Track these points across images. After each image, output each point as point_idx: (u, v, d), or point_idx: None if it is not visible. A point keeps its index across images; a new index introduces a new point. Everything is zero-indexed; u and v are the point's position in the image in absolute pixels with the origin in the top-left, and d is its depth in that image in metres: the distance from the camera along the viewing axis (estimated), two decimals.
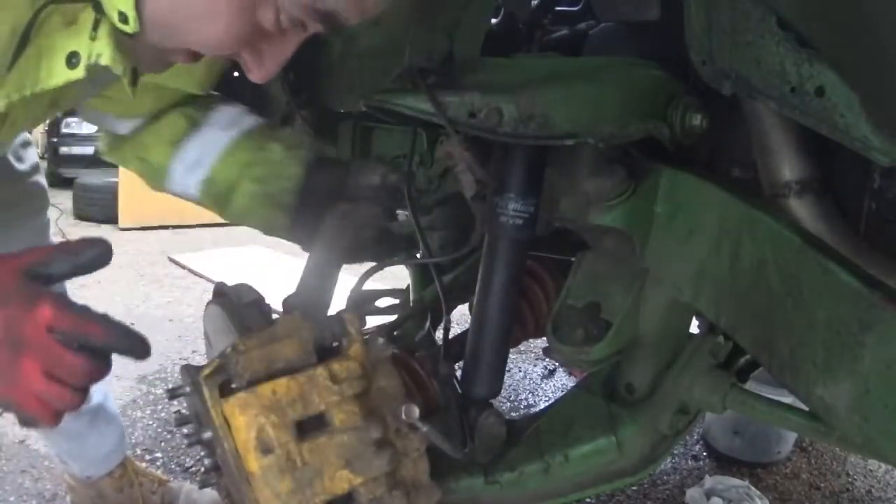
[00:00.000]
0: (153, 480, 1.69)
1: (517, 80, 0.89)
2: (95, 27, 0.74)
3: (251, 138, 1.09)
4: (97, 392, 1.60)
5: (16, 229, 1.41)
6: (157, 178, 1.17)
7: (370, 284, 1.21)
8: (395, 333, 1.16)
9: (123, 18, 0.72)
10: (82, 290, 3.26)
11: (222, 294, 0.91)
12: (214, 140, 1.09)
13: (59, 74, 0.77)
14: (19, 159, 1.42)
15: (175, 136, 1.11)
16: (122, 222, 5.23)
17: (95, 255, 0.72)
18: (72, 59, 0.76)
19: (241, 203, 1.08)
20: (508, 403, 2.43)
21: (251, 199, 1.07)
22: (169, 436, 2.09)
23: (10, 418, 2.08)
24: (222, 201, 1.10)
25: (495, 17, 1.31)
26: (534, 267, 1.23)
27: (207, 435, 0.78)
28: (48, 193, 1.53)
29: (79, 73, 0.76)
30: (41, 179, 1.50)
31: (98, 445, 1.59)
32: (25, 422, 0.71)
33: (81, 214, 5.54)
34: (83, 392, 0.70)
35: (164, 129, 1.11)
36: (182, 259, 4.25)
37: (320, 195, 1.04)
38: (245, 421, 0.74)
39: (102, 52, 0.75)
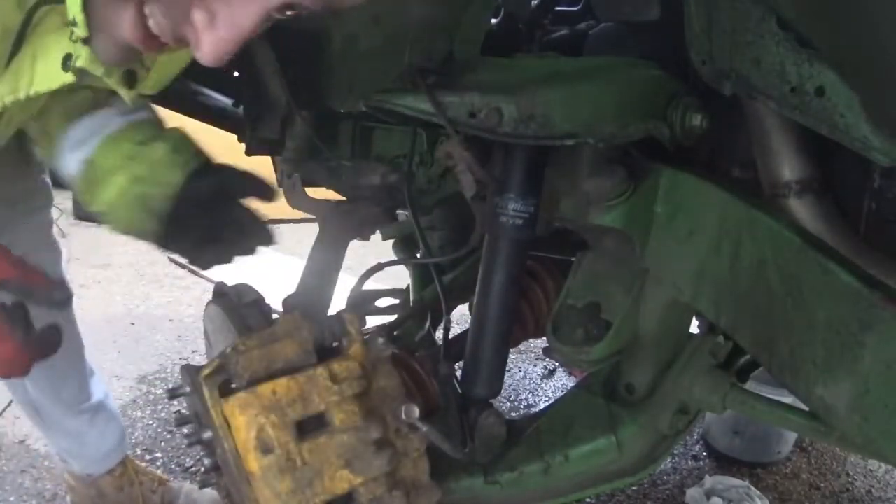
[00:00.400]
0: (153, 479, 1.69)
1: (517, 80, 0.89)
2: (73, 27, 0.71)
3: (140, 130, 1.02)
4: (98, 390, 1.60)
5: (19, 226, 1.41)
6: (49, 148, 1.10)
7: (370, 284, 1.21)
8: (395, 333, 1.16)
9: (74, 23, 0.69)
10: (83, 289, 3.26)
11: (222, 294, 0.92)
12: (105, 123, 1.02)
13: (54, 77, 0.75)
14: (26, 155, 1.42)
15: (74, 110, 1.04)
16: None
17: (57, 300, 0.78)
18: (66, 62, 0.74)
19: (110, 195, 1.01)
20: (508, 403, 2.43)
21: (121, 195, 1.00)
22: (169, 436, 2.09)
23: (9, 418, 2.09)
24: (94, 188, 1.03)
25: (495, 17, 1.31)
26: (534, 267, 1.23)
27: (207, 435, 0.78)
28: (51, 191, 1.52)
29: (70, 77, 0.74)
30: (45, 177, 1.50)
31: (98, 443, 1.59)
32: None
33: (82, 214, 5.54)
34: None
35: (67, 100, 1.04)
36: (182, 259, 4.23)
37: (197, 206, 0.97)
38: (245, 421, 0.74)
39: (80, 53, 0.73)
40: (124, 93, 0.82)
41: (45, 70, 0.75)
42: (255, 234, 0.97)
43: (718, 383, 0.96)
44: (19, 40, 0.74)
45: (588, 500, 1.80)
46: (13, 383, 1.51)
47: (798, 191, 0.90)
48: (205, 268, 0.99)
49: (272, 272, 3.81)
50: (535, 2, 1.41)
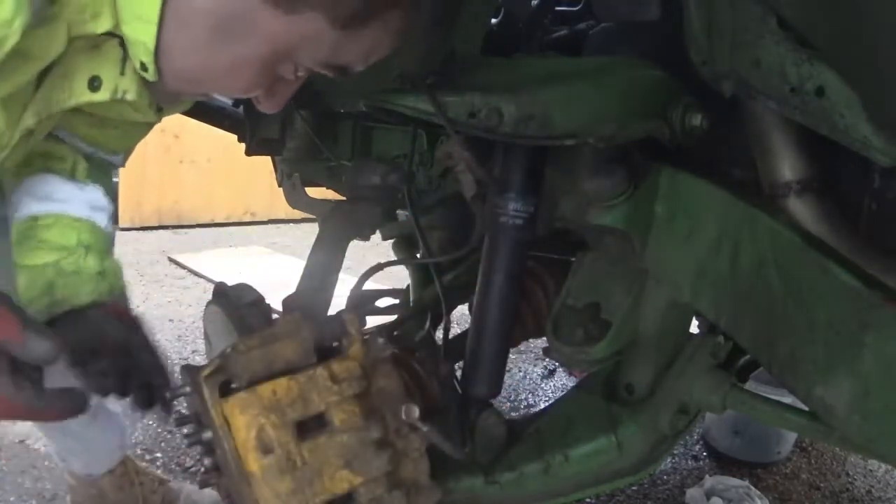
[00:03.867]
0: (153, 480, 1.69)
1: (517, 80, 0.89)
2: (123, 64, 0.80)
3: (94, 233, 1.04)
4: None
5: None
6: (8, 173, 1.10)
7: (370, 284, 1.21)
8: (395, 333, 1.16)
9: (144, 68, 0.78)
10: None
11: (222, 294, 0.91)
12: (70, 199, 1.04)
13: (81, 95, 0.82)
14: None
15: (51, 163, 1.06)
16: (121, 222, 5.23)
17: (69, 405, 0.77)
18: (93, 83, 0.81)
19: (32, 261, 1.00)
20: (508, 403, 2.43)
21: (42, 271, 0.99)
22: (169, 436, 2.09)
23: None
24: (25, 243, 1.02)
25: (495, 17, 1.31)
26: (534, 267, 1.23)
27: (207, 435, 0.78)
28: None
29: (102, 95, 0.82)
30: None
31: (99, 443, 1.59)
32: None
33: None
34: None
35: (53, 150, 1.06)
36: (182, 259, 4.24)
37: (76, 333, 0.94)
38: (245, 421, 0.74)
39: (129, 88, 0.82)
40: (152, 115, 0.92)
41: (73, 88, 0.82)
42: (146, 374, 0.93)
43: (718, 383, 0.96)
44: (51, 64, 0.80)
45: (588, 500, 1.80)
46: None
47: (798, 191, 0.90)
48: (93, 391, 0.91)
49: (272, 272, 3.82)
50: (535, 2, 1.41)
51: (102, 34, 0.77)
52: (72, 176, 1.07)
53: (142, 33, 0.75)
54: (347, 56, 0.77)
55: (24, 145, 0.90)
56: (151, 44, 0.75)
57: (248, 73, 0.77)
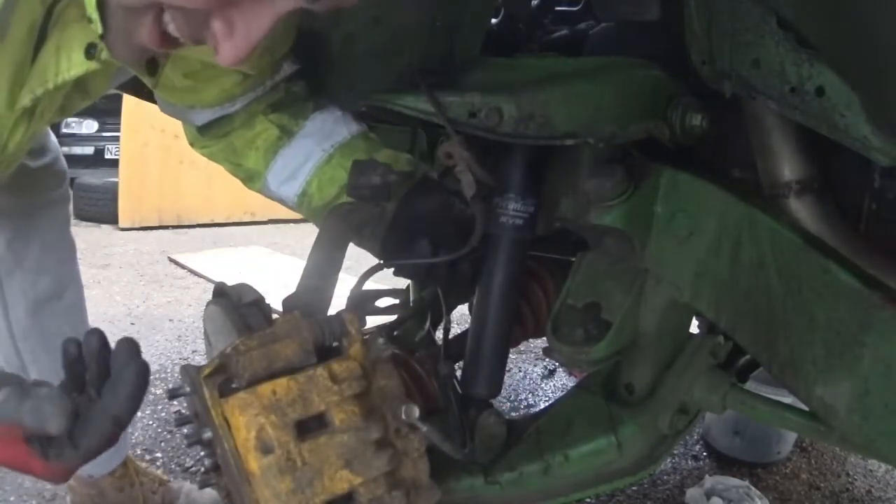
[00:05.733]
0: (154, 480, 1.69)
1: (517, 80, 0.89)
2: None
3: (348, 154, 1.06)
4: None
5: (38, 219, 1.42)
6: (253, 183, 1.17)
7: (370, 284, 1.21)
8: (395, 333, 1.16)
9: (90, 21, 0.73)
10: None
11: (222, 294, 0.91)
12: (308, 154, 1.07)
13: (79, 65, 0.80)
14: (42, 148, 1.43)
15: (267, 144, 1.10)
16: (122, 222, 5.23)
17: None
18: (90, 50, 0.79)
19: None
20: (508, 403, 2.43)
21: None
22: (169, 436, 2.09)
23: None
24: (321, 216, 1.09)
25: (495, 17, 1.31)
26: (534, 267, 1.23)
27: (207, 435, 0.78)
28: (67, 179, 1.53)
29: (95, 64, 0.79)
30: (63, 166, 1.51)
31: None
32: None
33: (82, 214, 5.55)
34: None
35: (255, 136, 1.10)
36: (182, 259, 4.24)
37: (409, 227, 1.02)
38: (245, 421, 0.74)
39: (103, 46, 0.77)
40: (147, 80, 0.88)
41: (69, 59, 0.80)
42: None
43: (718, 383, 0.96)
44: (42, 34, 0.78)
45: (588, 500, 1.80)
46: None
47: (798, 191, 0.90)
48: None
49: (272, 272, 3.82)
50: (535, 2, 1.41)
51: None
52: (287, 135, 1.08)
53: None
54: None
55: (28, 125, 0.88)
56: None
57: None
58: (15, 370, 1.50)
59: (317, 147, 1.08)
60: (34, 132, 0.92)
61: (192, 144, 1.20)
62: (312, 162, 1.08)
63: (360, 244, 1.06)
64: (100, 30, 0.73)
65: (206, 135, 1.16)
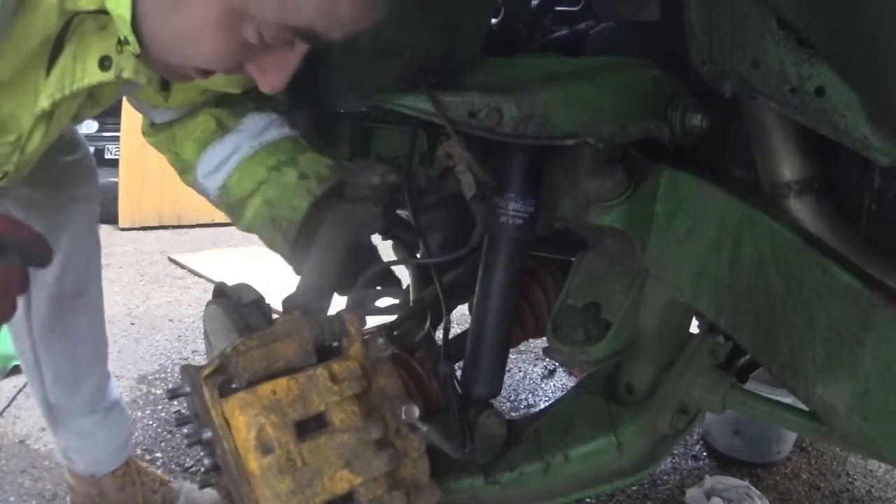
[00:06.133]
0: (154, 480, 1.69)
1: (517, 80, 0.89)
2: (120, 42, 0.81)
3: (272, 153, 1.10)
4: (113, 392, 1.62)
5: (68, 214, 1.43)
6: (185, 174, 1.21)
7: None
8: (395, 333, 1.16)
9: (126, 42, 0.78)
10: None
11: (222, 294, 0.91)
12: (237, 148, 1.11)
13: (93, 75, 0.84)
14: (73, 143, 1.45)
15: (203, 136, 1.13)
16: (122, 222, 5.23)
17: (43, 251, 0.82)
18: (104, 62, 0.84)
19: (249, 217, 1.11)
20: (508, 403, 2.43)
21: (258, 216, 1.09)
22: (169, 436, 2.09)
23: (9, 418, 2.09)
24: (234, 211, 1.12)
25: (495, 17, 1.32)
26: (534, 267, 1.23)
27: (207, 435, 0.78)
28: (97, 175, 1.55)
29: (109, 75, 0.84)
30: (92, 163, 1.52)
31: (106, 443, 1.60)
32: None
33: None
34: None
35: (194, 127, 1.14)
36: (182, 259, 4.24)
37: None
38: (245, 421, 0.74)
39: (125, 66, 0.84)
40: (159, 94, 0.93)
41: (84, 69, 0.84)
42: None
43: (718, 383, 0.96)
44: (59, 45, 0.82)
45: (588, 500, 1.80)
46: (34, 378, 1.52)
47: (798, 191, 0.90)
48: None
49: (272, 272, 3.81)
50: (535, 2, 1.41)
51: (102, 11, 0.78)
52: (222, 129, 1.11)
53: (118, 6, 0.74)
54: (303, 15, 0.73)
55: (47, 128, 0.91)
56: (128, 15, 0.74)
57: (211, 37, 0.75)
58: (29, 364, 1.50)
59: (245, 143, 1.11)
60: (51, 136, 0.95)
61: (143, 134, 1.27)
62: (237, 156, 1.10)
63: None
64: (137, 50, 0.78)
65: (156, 126, 1.22)
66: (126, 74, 0.83)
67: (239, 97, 1.13)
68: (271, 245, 1.11)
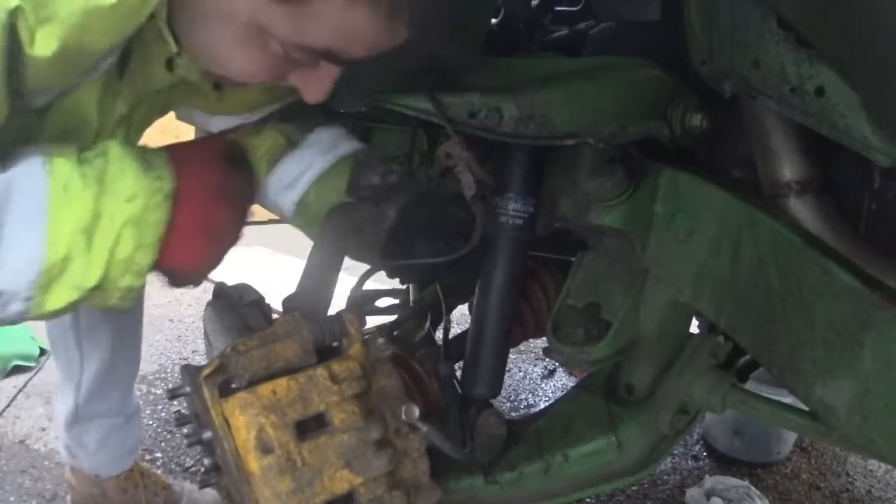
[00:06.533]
0: (157, 483, 1.69)
1: (517, 80, 0.89)
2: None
3: (349, 167, 1.08)
4: (135, 401, 1.63)
5: None
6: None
7: (370, 284, 1.21)
8: (395, 333, 1.16)
9: (170, 44, 0.80)
10: None
11: (222, 294, 0.91)
12: (311, 163, 1.09)
13: (162, 78, 0.88)
14: None
15: (273, 152, 1.11)
16: None
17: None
18: (170, 64, 0.86)
19: None
20: (508, 403, 2.43)
21: None
22: (169, 436, 2.09)
23: (9, 418, 2.09)
24: (312, 226, 1.10)
25: (495, 17, 1.31)
26: (534, 267, 1.23)
27: (207, 435, 0.78)
28: None
29: (175, 77, 0.87)
30: None
31: (118, 447, 1.60)
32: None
33: None
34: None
35: (261, 144, 1.12)
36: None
37: (409, 233, 1.04)
38: (245, 421, 0.74)
39: (182, 64, 0.85)
40: (211, 94, 0.96)
41: (152, 71, 0.87)
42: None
43: (718, 383, 0.96)
44: (126, 51, 0.84)
45: (588, 500, 1.80)
46: (70, 374, 1.51)
47: (798, 191, 0.90)
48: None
49: (272, 272, 3.81)
50: (535, 2, 1.41)
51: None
52: (292, 145, 1.11)
53: (159, 5, 0.75)
54: (318, 37, 0.74)
55: (126, 134, 0.93)
56: (164, 15, 0.76)
57: (240, 53, 0.76)
58: (70, 361, 1.50)
59: (319, 157, 1.09)
60: (133, 137, 0.97)
61: None
62: (314, 171, 1.08)
63: (355, 254, 1.06)
64: (174, 48, 0.80)
65: None
66: (179, 72, 0.85)
67: (304, 113, 1.12)
68: (357, 256, 1.09)
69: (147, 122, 1.01)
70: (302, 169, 1.08)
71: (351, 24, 0.74)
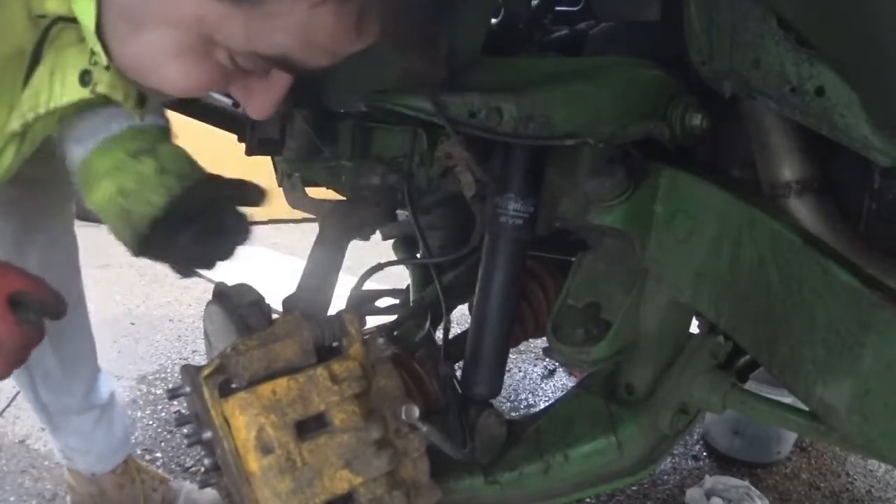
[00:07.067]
0: (154, 478, 1.69)
1: (517, 80, 0.89)
2: (93, 52, 0.74)
3: (137, 139, 0.98)
4: (105, 388, 1.61)
5: (45, 215, 1.41)
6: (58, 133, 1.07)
7: (370, 284, 1.21)
8: (395, 333, 1.16)
9: (94, 53, 0.72)
10: None
11: (222, 294, 0.91)
12: (107, 123, 0.98)
13: (73, 92, 0.77)
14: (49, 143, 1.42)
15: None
16: None
17: (59, 308, 0.83)
18: (84, 77, 0.76)
19: (98, 199, 0.99)
20: (508, 403, 2.43)
21: (108, 201, 0.98)
22: (169, 436, 2.09)
23: (9, 418, 2.09)
24: (87, 186, 1.01)
25: (495, 17, 1.31)
26: (534, 267, 1.23)
27: (207, 435, 0.78)
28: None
29: (89, 92, 0.76)
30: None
31: (105, 441, 1.60)
32: None
33: (82, 214, 5.56)
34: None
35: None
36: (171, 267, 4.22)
37: (180, 225, 0.95)
38: (245, 421, 0.74)
39: (100, 79, 0.76)
40: (136, 112, 0.85)
41: (63, 85, 0.77)
42: (235, 237, 0.96)
43: (718, 383, 0.96)
44: (36, 58, 0.76)
45: (588, 500, 1.80)
46: (24, 384, 1.52)
47: (798, 191, 0.90)
48: (187, 275, 0.99)
49: (272, 272, 3.82)
50: (535, 2, 1.41)
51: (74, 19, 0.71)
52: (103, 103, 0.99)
53: (82, 11, 0.67)
54: (275, 43, 0.65)
55: (18, 150, 0.85)
56: (91, 23, 0.67)
57: (175, 65, 0.67)
58: (22, 374, 1.50)
59: (118, 120, 0.98)
60: (24, 156, 0.89)
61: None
62: (106, 133, 0.97)
63: None
64: (105, 62, 0.71)
65: None
66: (101, 89, 0.76)
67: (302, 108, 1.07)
68: (118, 235, 1.00)
69: (47, 132, 0.93)
70: (97, 127, 0.98)
71: (314, 27, 0.65)
